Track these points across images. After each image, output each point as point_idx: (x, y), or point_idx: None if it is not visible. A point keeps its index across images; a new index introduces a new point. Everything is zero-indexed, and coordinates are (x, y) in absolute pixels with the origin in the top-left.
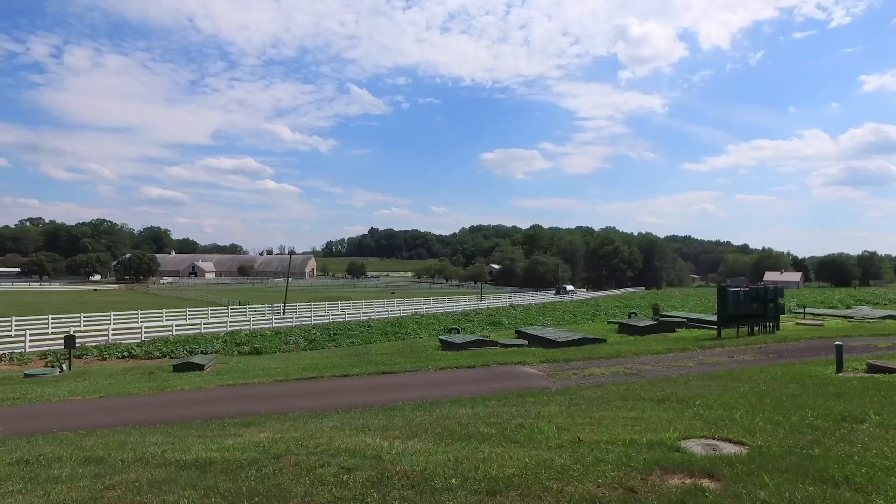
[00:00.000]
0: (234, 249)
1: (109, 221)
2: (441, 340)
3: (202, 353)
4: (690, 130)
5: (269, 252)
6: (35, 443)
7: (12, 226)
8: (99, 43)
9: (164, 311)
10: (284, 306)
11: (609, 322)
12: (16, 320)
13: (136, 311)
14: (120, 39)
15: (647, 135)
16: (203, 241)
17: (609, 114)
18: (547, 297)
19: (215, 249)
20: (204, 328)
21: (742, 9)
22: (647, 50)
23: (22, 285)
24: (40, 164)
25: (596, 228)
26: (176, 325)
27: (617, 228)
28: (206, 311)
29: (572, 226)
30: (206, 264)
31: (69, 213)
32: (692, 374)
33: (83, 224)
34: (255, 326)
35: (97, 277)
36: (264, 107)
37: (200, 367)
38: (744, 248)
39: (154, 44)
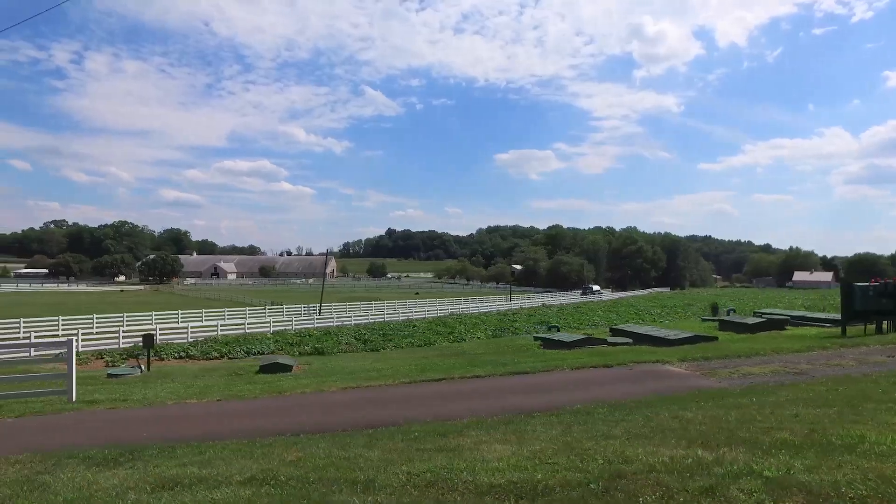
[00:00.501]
0: (252, 251)
1: (131, 223)
2: (542, 339)
3: (260, 353)
4: (706, 130)
5: (289, 253)
6: (222, 453)
7: (37, 228)
8: (117, 48)
9: (203, 311)
10: (320, 307)
11: (703, 319)
12: (62, 320)
13: (175, 311)
14: (138, 45)
15: (662, 134)
16: (219, 243)
17: (624, 113)
18: (574, 297)
19: (234, 251)
20: (248, 328)
21: (759, 6)
22: (662, 48)
23: (50, 286)
24: (61, 168)
25: (612, 229)
26: (220, 326)
27: (638, 228)
28: (244, 311)
29: (588, 226)
30: (228, 265)
31: (88, 216)
32: (877, 373)
33: (105, 226)
34: (298, 327)
35: (122, 278)
36: (279, 109)
37: (288, 368)
38: (766, 248)
39: (171, 48)
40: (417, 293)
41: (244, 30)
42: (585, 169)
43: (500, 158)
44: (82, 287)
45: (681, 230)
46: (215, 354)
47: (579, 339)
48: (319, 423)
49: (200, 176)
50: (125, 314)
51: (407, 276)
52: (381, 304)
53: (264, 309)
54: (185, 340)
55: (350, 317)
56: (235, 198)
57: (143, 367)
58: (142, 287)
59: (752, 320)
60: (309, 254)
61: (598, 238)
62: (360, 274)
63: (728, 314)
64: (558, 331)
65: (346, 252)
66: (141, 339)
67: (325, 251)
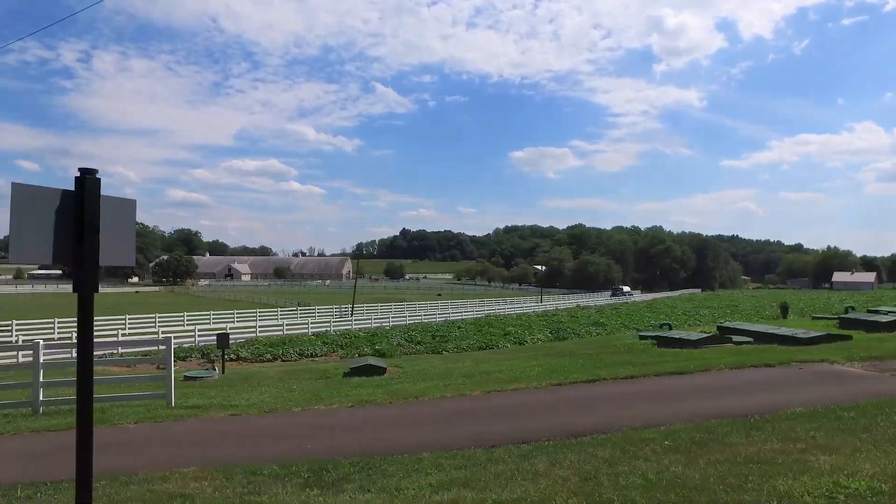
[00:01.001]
0: (264, 251)
1: (141, 223)
2: (654, 337)
3: (314, 355)
4: (729, 125)
5: (303, 254)
6: (466, 469)
7: None
8: (125, 47)
9: (235, 312)
10: (352, 308)
11: (814, 318)
12: (103, 320)
13: (207, 312)
14: (145, 43)
15: (683, 130)
16: (228, 244)
17: (643, 109)
18: (604, 299)
19: (245, 251)
20: (286, 329)
21: None
22: (683, 42)
23: (66, 287)
24: (70, 169)
25: (637, 228)
26: (259, 327)
27: (663, 227)
28: (276, 311)
29: (605, 226)
30: (242, 266)
31: None
32: None
33: None
34: (336, 328)
35: (134, 279)
36: (288, 107)
37: (381, 371)
38: (798, 248)
39: (178, 46)
40: (440, 294)
41: (252, 26)
42: (603, 167)
43: (515, 156)
44: None
45: (702, 230)
46: (268, 356)
47: (705, 338)
48: (522, 430)
49: (208, 176)
50: (157, 315)
51: (424, 278)
52: (412, 304)
53: (296, 310)
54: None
55: (387, 318)
56: (244, 198)
57: (216, 368)
58: (156, 288)
59: (886, 318)
60: (321, 255)
61: (624, 237)
62: (376, 275)
63: (847, 311)
64: (670, 328)
65: (360, 253)
66: (219, 338)
67: (339, 252)
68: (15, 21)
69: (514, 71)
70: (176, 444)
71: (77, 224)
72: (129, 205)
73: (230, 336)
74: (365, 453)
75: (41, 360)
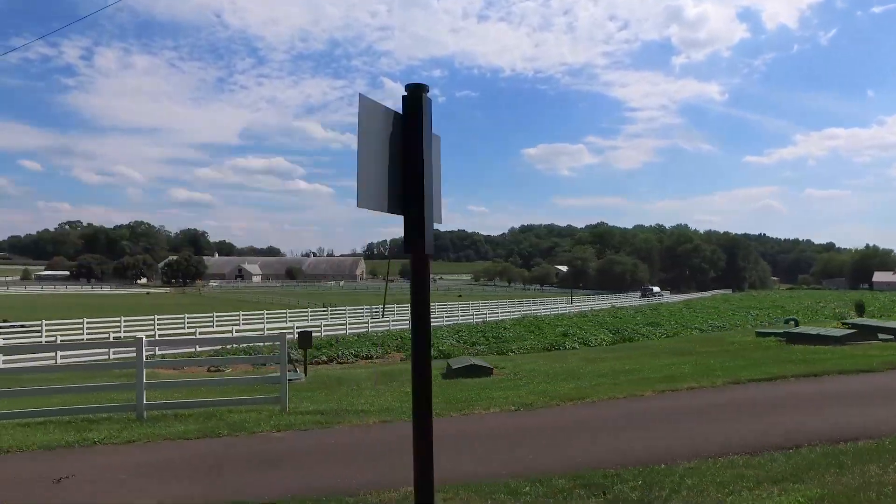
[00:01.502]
0: (272, 252)
1: (147, 223)
2: (782, 333)
3: (369, 357)
4: (753, 120)
5: (313, 254)
6: None
7: (52, 230)
8: (128, 43)
9: (265, 312)
10: (384, 308)
11: None
12: (125, 320)
13: (235, 313)
14: (148, 39)
15: (703, 125)
16: (234, 244)
17: (661, 103)
18: (635, 299)
19: (253, 252)
20: (324, 331)
21: None
22: (704, 33)
23: (75, 288)
24: (72, 168)
25: (662, 226)
26: (296, 328)
27: (688, 226)
28: (307, 312)
29: (623, 225)
30: (252, 267)
31: (99, 217)
32: None
33: (121, 227)
34: (374, 329)
35: (143, 280)
36: (293, 104)
37: (488, 371)
38: (830, 247)
39: (182, 42)
40: (460, 296)
41: (257, 21)
42: (620, 164)
43: (528, 153)
44: (106, 290)
45: (724, 229)
46: (323, 358)
47: (849, 334)
48: (783, 434)
49: (213, 175)
50: (185, 315)
51: (440, 279)
52: (443, 305)
53: (326, 310)
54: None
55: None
56: (249, 197)
57: (298, 370)
58: (167, 289)
59: None
60: (330, 254)
61: (649, 236)
62: (390, 276)
63: None
64: (797, 324)
65: (371, 253)
66: (300, 337)
67: (349, 252)
68: (16, 17)
69: (527, 65)
70: (379, 456)
71: (409, 159)
72: (437, 142)
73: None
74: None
75: (143, 358)
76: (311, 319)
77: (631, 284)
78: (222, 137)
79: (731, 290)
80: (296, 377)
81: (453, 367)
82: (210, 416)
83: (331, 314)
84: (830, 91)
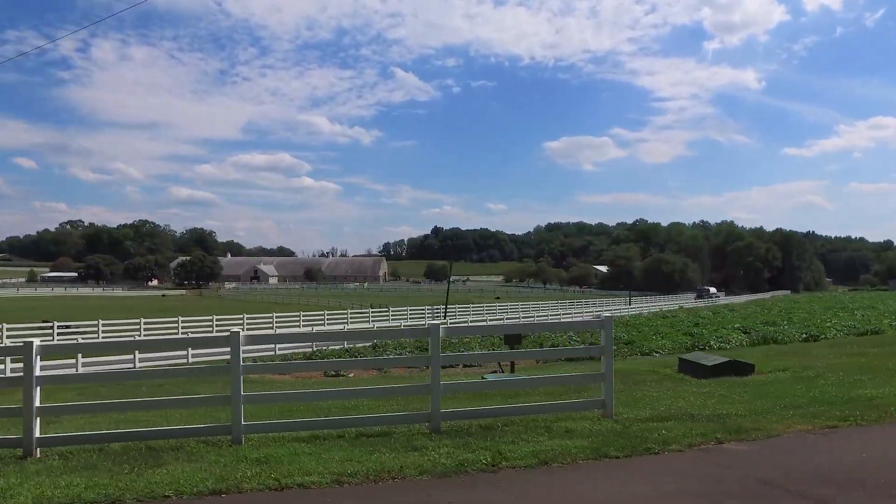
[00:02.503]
0: (282, 252)
1: (152, 223)
2: None
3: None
4: (792, 109)
5: (329, 254)
6: None
7: (52, 230)
8: (125, 34)
9: (312, 314)
10: (446, 309)
11: None
12: (182, 320)
13: (296, 314)
14: (147, 29)
15: (738, 116)
16: (242, 244)
17: (692, 92)
18: (692, 301)
19: (262, 252)
20: None
21: None
22: (739, 15)
23: (86, 290)
24: (68, 166)
25: (706, 223)
26: (377, 327)
27: (734, 222)
28: (368, 313)
29: (657, 221)
30: (268, 268)
31: (97, 217)
32: None
33: (125, 226)
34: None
35: (154, 282)
36: (299, 96)
37: (750, 369)
38: (888, 245)
39: (182, 32)
40: (498, 297)
41: (260, 9)
42: (648, 157)
43: (549, 147)
44: (118, 292)
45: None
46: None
47: None
48: None
49: (214, 172)
50: (244, 315)
51: (467, 280)
52: (504, 305)
53: (387, 310)
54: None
55: (485, 320)
56: (253, 195)
57: (501, 370)
58: (182, 292)
59: None
60: (343, 255)
61: (697, 233)
62: (414, 277)
63: None
64: None
65: (388, 254)
66: (507, 338)
67: (364, 253)
68: (10, 10)
69: (548, 52)
70: None
71: None
72: None
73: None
74: None
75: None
76: (392, 320)
77: (680, 285)
78: (224, 132)
79: (789, 292)
80: (511, 377)
81: (709, 365)
82: (530, 425)
83: (392, 316)
84: (877, 77)
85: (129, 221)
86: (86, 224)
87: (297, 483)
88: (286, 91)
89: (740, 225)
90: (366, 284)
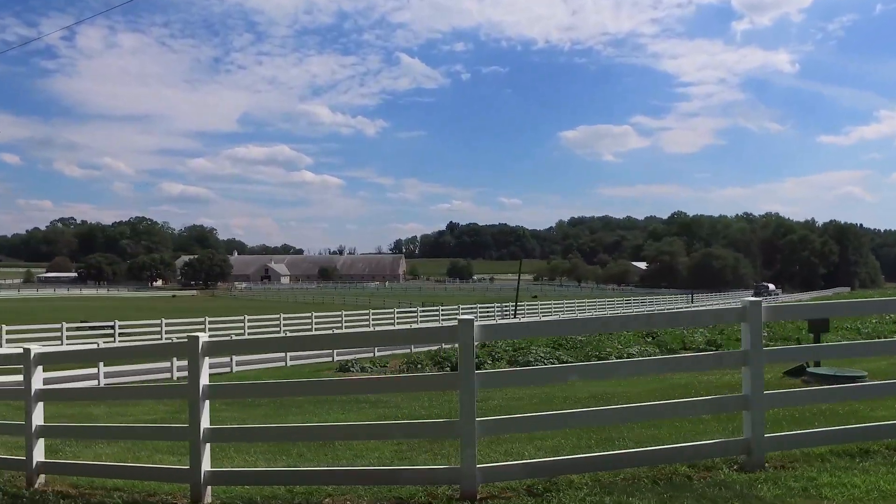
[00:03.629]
0: (288, 250)
1: (149, 220)
2: None
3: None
4: (828, 94)
5: (339, 252)
6: None
7: (42, 228)
8: (113, 21)
9: (394, 311)
10: (515, 308)
11: None
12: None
13: (338, 313)
14: (136, 15)
15: (770, 101)
16: (245, 243)
17: (720, 77)
18: (750, 299)
19: (266, 250)
20: None
21: None
22: None
23: (90, 291)
24: (53, 161)
25: (750, 215)
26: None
27: (780, 214)
28: (438, 311)
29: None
30: (279, 266)
31: (85, 215)
32: None
33: (121, 223)
34: None
35: (159, 282)
36: (298, 84)
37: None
38: None
39: (172, 17)
40: (535, 296)
41: None
42: (672, 147)
43: (565, 137)
44: (123, 292)
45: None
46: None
47: None
48: None
49: (209, 166)
50: (301, 314)
51: (492, 278)
52: (560, 303)
53: (437, 310)
54: None
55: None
56: (249, 191)
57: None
58: (194, 292)
59: None
60: (352, 252)
61: (745, 226)
62: (436, 276)
63: None
64: None
65: (400, 251)
66: None
67: (374, 250)
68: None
69: (563, 35)
70: None
71: None
72: None
73: None
74: None
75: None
76: (442, 319)
77: (731, 283)
78: (218, 124)
79: (848, 289)
80: (860, 374)
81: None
82: None
83: (442, 316)
84: None
85: (119, 219)
86: (78, 222)
87: None
88: (284, 79)
89: (788, 217)
90: (387, 283)
